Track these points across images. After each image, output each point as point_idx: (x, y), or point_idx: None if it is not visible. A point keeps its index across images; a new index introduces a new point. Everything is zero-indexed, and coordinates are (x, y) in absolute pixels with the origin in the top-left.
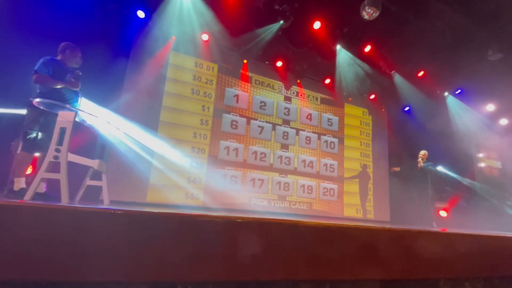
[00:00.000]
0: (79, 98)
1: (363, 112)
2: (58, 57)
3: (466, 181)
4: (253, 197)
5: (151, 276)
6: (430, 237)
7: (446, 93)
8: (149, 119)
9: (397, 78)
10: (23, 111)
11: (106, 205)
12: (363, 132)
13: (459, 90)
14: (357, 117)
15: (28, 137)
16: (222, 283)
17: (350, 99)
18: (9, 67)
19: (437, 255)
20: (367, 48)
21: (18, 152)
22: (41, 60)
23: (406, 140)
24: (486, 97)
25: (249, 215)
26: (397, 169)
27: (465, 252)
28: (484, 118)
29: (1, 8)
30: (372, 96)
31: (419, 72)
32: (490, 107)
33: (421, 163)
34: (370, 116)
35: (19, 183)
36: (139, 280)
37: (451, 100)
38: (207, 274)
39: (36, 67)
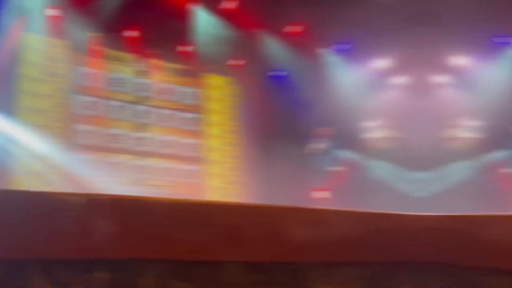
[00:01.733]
0: None
1: (228, 82)
2: None
3: (351, 155)
4: (109, 181)
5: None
6: (300, 214)
7: (327, 52)
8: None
9: (267, 39)
10: None
11: None
12: (229, 105)
13: (343, 47)
14: (221, 88)
15: None
16: (67, 261)
17: (212, 67)
18: None
19: (308, 234)
20: (230, 5)
21: None
22: None
23: (280, 112)
24: (377, 52)
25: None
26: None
27: (342, 233)
28: (375, 77)
29: None
30: (238, 63)
31: (292, 29)
32: (383, 63)
33: (319, 145)
34: (237, 86)
35: None
36: None
37: (332, 60)
38: (51, 253)
39: None
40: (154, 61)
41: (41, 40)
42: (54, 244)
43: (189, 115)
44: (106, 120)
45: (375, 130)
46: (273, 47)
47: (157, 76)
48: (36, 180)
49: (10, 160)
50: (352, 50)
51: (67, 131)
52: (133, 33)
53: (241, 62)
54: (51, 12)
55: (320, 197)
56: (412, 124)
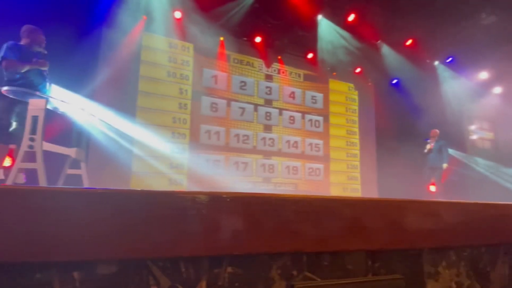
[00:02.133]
0: (48, 83)
1: (348, 87)
2: (21, 41)
3: (457, 154)
4: (237, 180)
5: (120, 254)
6: (413, 207)
7: (436, 63)
8: (125, 104)
9: (384, 49)
10: None
11: None
12: (349, 109)
13: (450, 59)
14: (342, 92)
15: (2, 128)
16: (194, 258)
17: (334, 74)
18: None
19: (421, 224)
20: (351, 17)
21: None
22: (5, 46)
23: (395, 115)
24: (479, 65)
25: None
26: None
27: (450, 221)
28: (476, 87)
29: None
30: (358, 70)
31: (407, 41)
32: (483, 75)
33: (432, 145)
34: (356, 91)
35: None
36: (108, 258)
37: (442, 70)
38: (179, 251)
39: (2, 54)
40: (280, 66)
41: (164, 41)
42: (181, 243)
43: (313, 117)
44: (233, 121)
45: (477, 132)
46: (389, 56)
47: (283, 80)
48: (159, 180)
49: (131, 160)
50: (458, 62)
51: (193, 131)
52: (259, 39)
53: (361, 69)
54: (175, 14)
55: (432, 191)
56: (508, 126)
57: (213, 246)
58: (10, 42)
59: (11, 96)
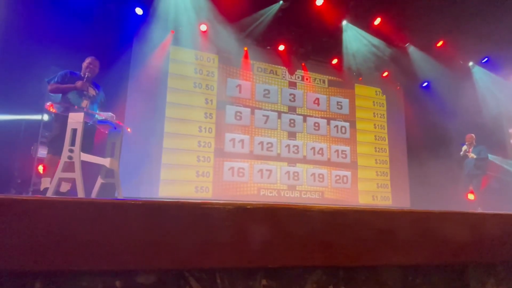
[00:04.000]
0: (85, 101)
1: (375, 91)
2: (82, 69)
3: (497, 159)
4: (262, 188)
5: (159, 264)
6: (455, 218)
7: (470, 63)
8: (155, 116)
9: (413, 51)
10: (39, 117)
11: None
12: (377, 114)
13: (486, 59)
14: (369, 97)
15: (51, 140)
16: (229, 270)
17: (360, 79)
18: (23, 76)
19: (464, 238)
20: (377, 21)
21: (46, 154)
22: (58, 74)
23: (427, 119)
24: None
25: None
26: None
27: (496, 234)
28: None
29: (13, 22)
30: (385, 74)
31: (437, 42)
32: None
33: (469, 150)
34: (384, 96)
35: (45, 183)
36: (148, 269)
37: (477, 71)
38: (214, 262)
39: (48, 79)
40: (304, 73)
41: (190, 53)
42: (216, 254)
43: (339, 123)
44: (257, 129)
45: None
46: (418, 59)
47: (307, 87)
48: (186, 188)
49: (160, 168)
50: (494, 62)
51: (218, 140)
52: (282, 47)
53: (388, 73)
54: (201, 27)
55: (471, 199)
56: None
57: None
58: (63, 71)
59: (55, 112)
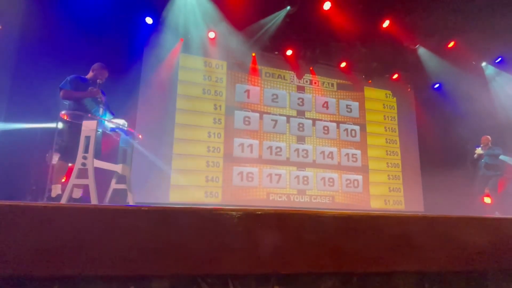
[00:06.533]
0: (101, 108)
1: (386, 94)
2: (88, 75)
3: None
4: (272, 192)
5: (173, 270)
6: (472, 223)
7: (484, 64)
8: (165, 122)
9: (423, 53)
10: (53, 125)
11: None
12: (388, 116)
13: (499, 59)
14: (379, 100)
15: (63, 147)
16: (241, 276)
17: (370, 81)
18: (38, 86)
19: (482, 243)
20: (386, 24)
21: (56, 161)
22: (66, 79)
23: (439, 121)
24: None
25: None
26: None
27: None
28: None
29: (29, 34)
30: (395, 76)
31: (448, 43)
32: None
33: (483, 151)
34: (395, 98)
35: (56, 189)
36: (162, 274)
37: (490, 71)
38: (226, 268)
39: (60, 85)
40: (312, 77)
41: (199, 61)
42: (228, 260)
43: (349, 126)
44: (266, 134)
45: None
46: (429, 60)
47: (315, 91)
48: (195, 193)
49: (170, 174)
50: (508, 61)
51: (227, 145)
52: (290, 52)
53: (398, 75)
54: (209, 34)
55: (487, 203)
56: None
57: (259, 264)
58: (71, 76)
59: (69, 120)
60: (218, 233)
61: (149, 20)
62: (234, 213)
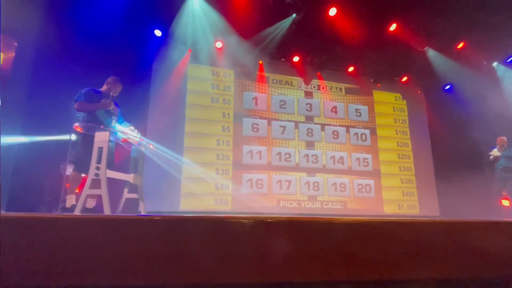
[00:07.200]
0: (114, 120)
1: (395, 97)
2: (102, 87)
3: None
4: (282, 199)
5: (185, 279)
6: (491, 228)
7: (495, 64)
8: (175, 131)
9: (432, 55)
10: (67, 137)
11: None
12: (398, 119)
13: (511, 58)
14: (389, 103)
15: (77, 158)
16: (253, 285)
17: (378, 85)
18: (52, 98)
19: (502, 249)
20: (393, 27)
21: (70, 172)
22: (81, 91)
23: (452, 122)
24: None
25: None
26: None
27: None
28: None
29: (41, 49)
30: (405, 79)
31: (458, 44)
32: None
33: (499, 153)
34: (404, 101)
35: (70, 200)
36: (173, 283)
37: (502, 71)
38: (237, 276)
39: (75, 98)
40: (320, 82)
41: (207, 70)
42: (232, 268)
43: (359, 130)
44: (274, 140)
45: None
46: (439, 62)
47: (323, 95)
48: (205, 200)
49: (181, 182)
50: None
51: (236, 152)
52: (297, 58)
53: (408, 78)
54: (216, 44)
55: (506, 205)
56: None
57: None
58: (86, 89)
59: (82, 131)
60: (229, 241)
61: (158, 33)
62: (245, 221)
